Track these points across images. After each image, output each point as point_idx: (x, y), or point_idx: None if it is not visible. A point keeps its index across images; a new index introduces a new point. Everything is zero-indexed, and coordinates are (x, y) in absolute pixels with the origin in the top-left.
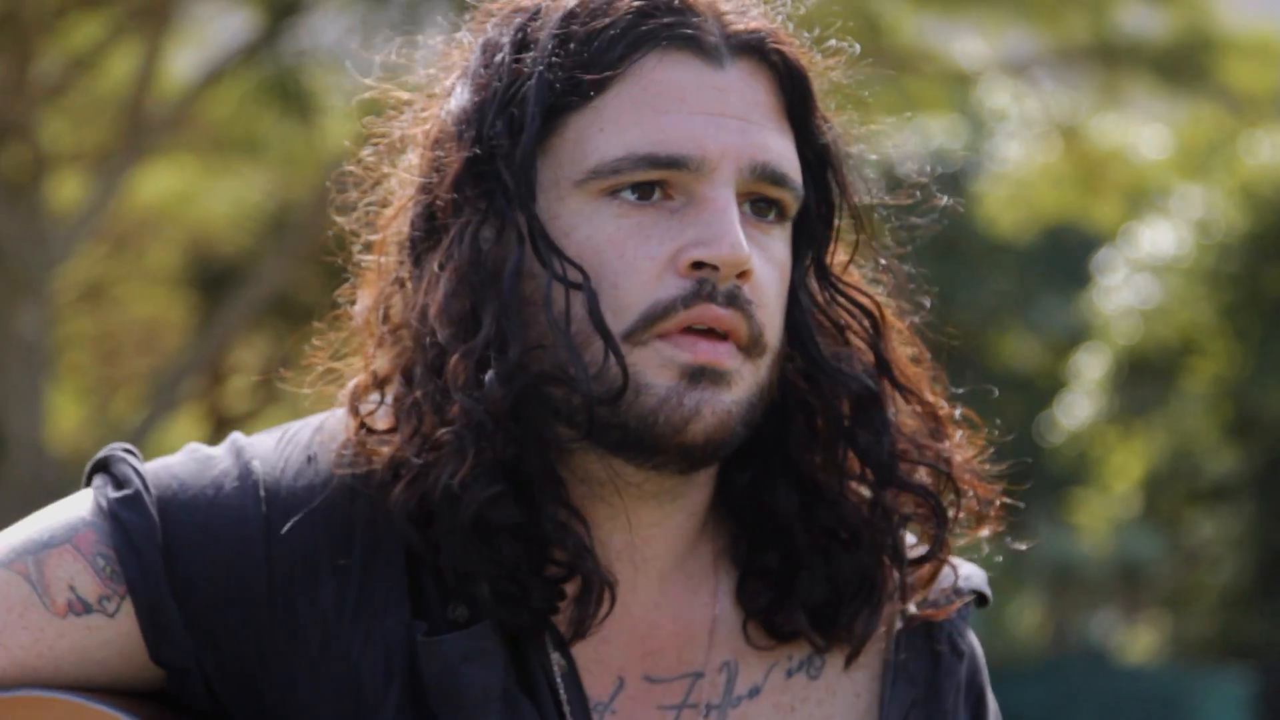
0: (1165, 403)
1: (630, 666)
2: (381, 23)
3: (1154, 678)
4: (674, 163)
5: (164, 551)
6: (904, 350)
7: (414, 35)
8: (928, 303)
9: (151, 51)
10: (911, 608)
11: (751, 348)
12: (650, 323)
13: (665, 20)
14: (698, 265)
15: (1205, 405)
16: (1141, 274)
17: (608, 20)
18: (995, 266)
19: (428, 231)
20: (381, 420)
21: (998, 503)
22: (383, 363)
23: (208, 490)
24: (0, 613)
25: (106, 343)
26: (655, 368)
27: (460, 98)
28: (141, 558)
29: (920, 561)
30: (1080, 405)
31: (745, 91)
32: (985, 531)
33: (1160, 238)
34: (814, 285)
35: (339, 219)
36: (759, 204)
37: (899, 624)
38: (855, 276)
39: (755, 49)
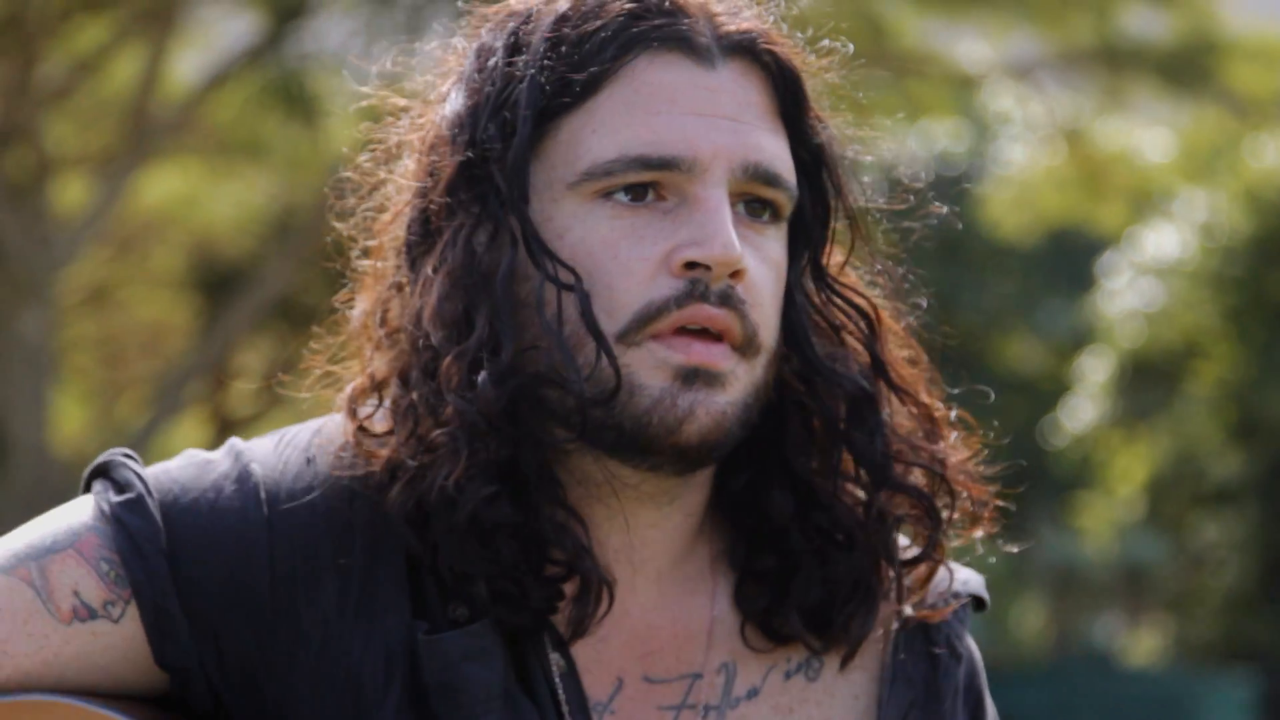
0: (1169, 406)
1: (629, 667)
2: (385, 26)
3: (1158, 681)
4: (666, 164)
5: (168, 555)
6: (900, 351)
7: (417, 39)
8: (925, 304)
9: (156, 54)
10: (908, 609)
11: (746, 348)
12: (644, 323)
13: (656, 22)
14: (690, 265)
15: (1209, 408)
16: (1145, 277)
17: (599, 23)
18: (999, 269)
19: (423, 236)
20: (379, 423)
21: (992, 504)
22: (380, 366)
23: (208, 493)
24: (5, 621)
25: (110, 346)
26: (649, 369)
27: (454, 103)
28: (146, 561)
29: (914, 562)
30: (1084, 408)
31: (737, 92)
32: (980, 533)
33: (1164, 241)
34: (810, 286)
35: (338, 225)
36: (753, 204)
37: (896, 626)
38: (852, 278)
39: (747, 49)
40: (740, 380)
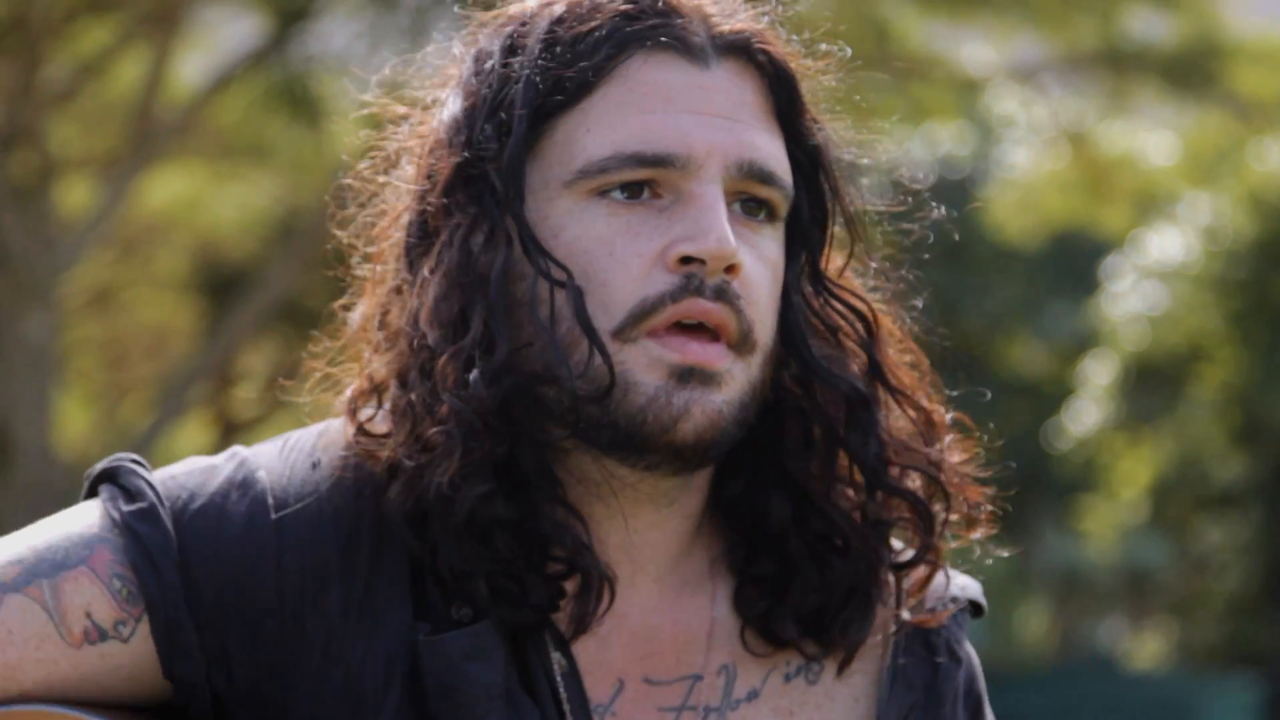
0: (1173, 409)
1: (630, 668)
2: (389, 28)
3: (1161, 684)
4: (661, 161)
5: (179, 565)
6: (898, 354)
7: (420, 42)
8: (921, 305)
9: (160, 57)
10: (905, 614)
11: (741, 344)
12: (639, 319)
13: (650, 22)
14: (686, 260)
15: (1213, 412)
16: (1149, 280)
17: (594, 24)
18: (1003, 273)
19: (421, 238)
20: (379, 426)
21: (989, 507)
22: (379, 368)
23: (216, 500)
24: (16, 644)
25: (114, 348)
26: (643, 366)
27: (452, 107)
28: (161, 574)
29: (909, 566)
30: (1088, 412)
31: (732, 91)
32: (977, 535)
33: (1168, 244)
34: (807, 288)
35: (338, 233)
36: (749, 204)
37: (894, 630)
38: (850, 281)
39: (741, 49)
40: (736, 379)
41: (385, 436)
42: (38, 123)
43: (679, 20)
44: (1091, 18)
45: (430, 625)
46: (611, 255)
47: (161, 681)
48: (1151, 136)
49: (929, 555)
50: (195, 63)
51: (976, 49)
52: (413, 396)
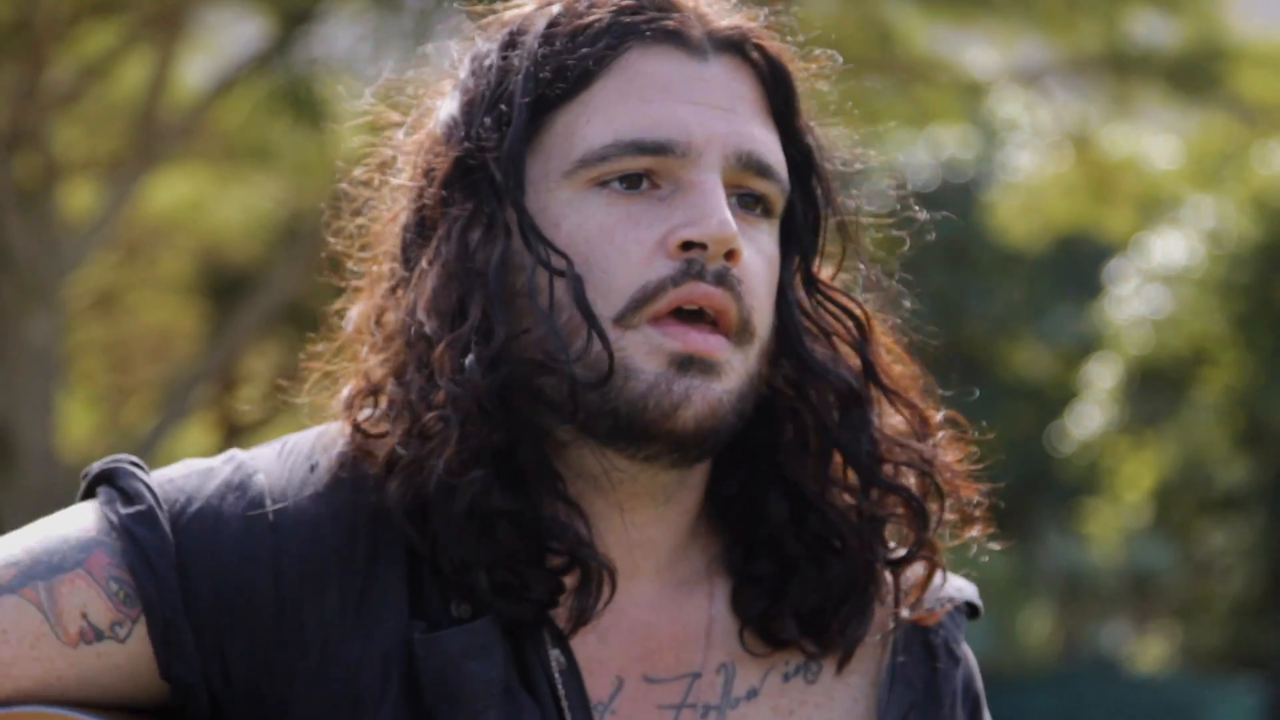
0: (1176, 413)
1: (629, 666)
2: (393, 31)
3: (1165, 687)
4: (661, 148)
5: (178, 569)
6: (890, 356)
7: (424, 44)
8: (916, 310)
9: (164, 60)
10: (904, 612)
11: (741, 333)
12: (640, 304)
13: (649, 15)
14: (687, 246)
15: (1216, 415)
16: (1153, 284)
17: (592, 18)
18: (1006, 276)
19: (419, 234)
20: (377, 425)
21: (984, 504)
22: (376, 367)
23: (212, 502)
24: (11, 644)
25: (118, 350)
26: (644, 354)
27: (450, 106)
28: (158, 577)
29: (905, 562)
30: (1091, 415)
31: (729, 84)
32: (973, 532)
33: (1172, 247)
34: (801, 289)
35: (333, 240)
36: (745, 199)
37: (892, 627)
38: (842, 286)
39: (736, 46)
40: (736, 370)
41: (382, 436)
42: (42, 125)
43: (676, 15)
44: (1095, 21)
45: (427, 624)
46: (612, 243)
47: (159, 682)
48: (1155, 140)
49: (924, 551)
50: (199, 65)
51: (980, 52)
52: (410, 389)
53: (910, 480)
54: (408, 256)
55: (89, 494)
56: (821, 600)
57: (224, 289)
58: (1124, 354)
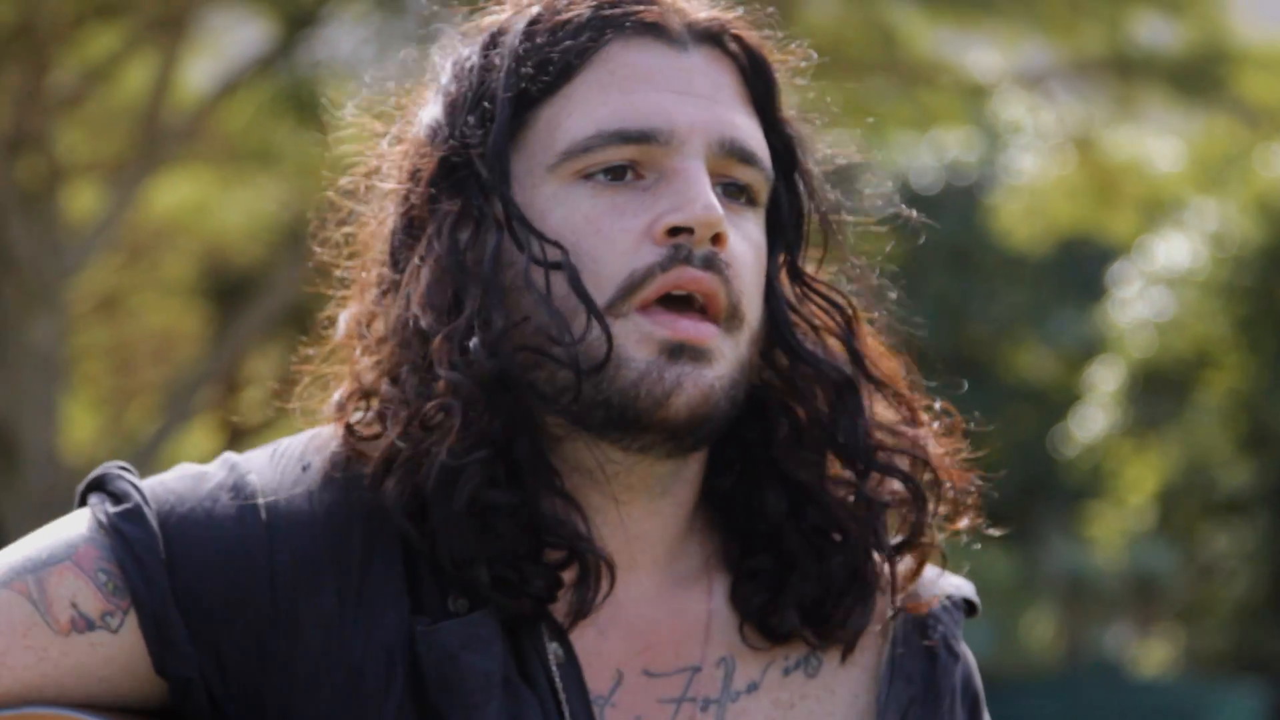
0: (1180, 416)
1: (629, 661)
2: (397, 34)
3: (1168, 690)
4: (644, 136)
5: (166, 564)
6: (877, 345)
7: (427, 47)
8: (910, 305)
9: (167, 62)
10: (899, 599)
11: (730, 318)
12: (629, 292)
13: (628, 8)
14: (673, 232)
15: (1220, 418)
16: (1156, 287)
17: (572, 13)
18: (1010, 279)
19: (407, 236)
20: (370, 427)
21: (975, 492)
22: (368, 370)
23: (205, 503)
24: (3, 633)
25: (121, 353)
26: (634, 342)
27: (433, 110)
28: (145, 570)
29: (904, 548)
30: (1095, 418)
31: (710, 74)
32: (964, 522)
33: (1175, 250)
34: (787, 284)
35: (319, 250)
36: (730, 188)
37: (892, 618)
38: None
39: (715, 38)
40: (726, 356)
41: (375, 437)
42: (45, 128)
43: (655, 8)
44: (1099, 23)
45: (427, 618)
46: (598, 233)
47: (157, 680)
48: (1159, 142)
49: (922, 536)
50: (202, 68)
51: (983, 55)
52: (406, 387)
53: (905, 466)
54: (397, 260)
55: (83, 504)
56: (823, 592)
57: (227, 292)
58: (1127, 357)
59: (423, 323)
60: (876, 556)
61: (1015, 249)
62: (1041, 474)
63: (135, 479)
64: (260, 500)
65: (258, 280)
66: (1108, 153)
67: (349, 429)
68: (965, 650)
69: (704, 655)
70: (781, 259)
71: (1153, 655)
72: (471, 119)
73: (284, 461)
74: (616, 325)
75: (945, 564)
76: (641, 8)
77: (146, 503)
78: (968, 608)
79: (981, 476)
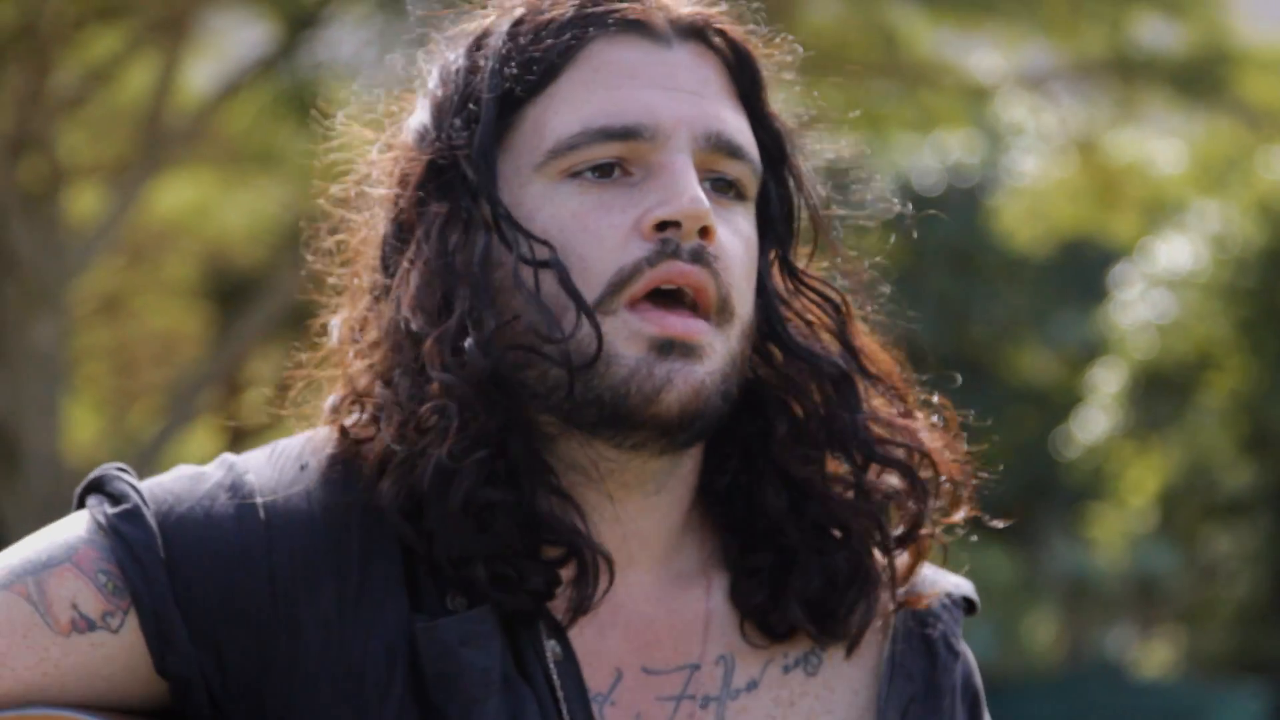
0: (1181, 417)
1: (628, 658)
2: (398, 35)
3: (1170, 692)
4: (630, 133)
5: (166, 564)
6: (871, 340)
7: (428, 48)
8: (886, 291)
9: (170, 64)
10: (900, 591)
11: (721, 312)
12: (618, 288)
13: (611, 6)
14: (661, 226)
15: (1221, 420)
16: (1158, 289)
17: (556, 12)
18: (1012, 281)
19: (398, 240)
20: (365, 429)
21: (971, 484)
22: (361, 373)
23: (204, 502)
24: (4, 635)
25: (123, 355)
26: (624, 339)
27: (420, 114)
28: (144, 570)
29: (906, 539)
30: (1096, 420)
31: (695, 69)
32: (961, 514)
33: (1177, 252)
34: (779, 280)
35: (311, 259)
36: (718, 183)
37: (894, 612)
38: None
39: (699, 33)
40: (717, 351)
41: (370, 439)
42: (47, 129)
43: (638, 5)
44: (1100, 25)
45: (426, 616)
46: (586, 230)
47: (159, 680)
48: (1160, 144)
49: (921, 528)
50: (204, 70)
51: (985, 56)
52: (399, 390)
53: (901, 457)
54: (388, 264)
55: (81, 505)
56: (827, 586)
57: (229, 293)
58: (1129, 359)
59: (414, 325)
60: (877, 551)
61: (1017, 251)
62: (1043, 475)
63: (133, 480)
64: (258, 499)
65: (259, 282)
66: (1109, 154)
67: (343, 432)
68: (965, 648)
69: (703, 653)
70: (773, 254)
71: (1154, 657)
72: (458, 121)
73: (282, 461)
74: (606, 322)
75: (945, 559)
76: (625, 5)
77: (145, 503)
78: (967, 606)
79: (982, 475)
